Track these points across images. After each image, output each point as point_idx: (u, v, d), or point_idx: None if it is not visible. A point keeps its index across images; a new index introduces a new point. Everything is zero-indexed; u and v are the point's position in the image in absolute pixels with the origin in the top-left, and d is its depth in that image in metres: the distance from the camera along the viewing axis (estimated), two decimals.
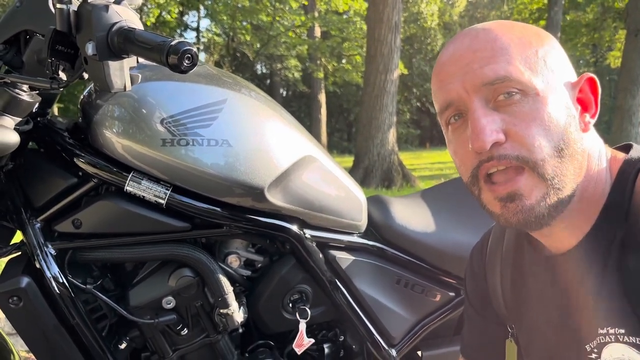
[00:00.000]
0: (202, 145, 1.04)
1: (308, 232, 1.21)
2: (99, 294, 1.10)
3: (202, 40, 21.20)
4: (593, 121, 0.72)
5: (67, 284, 1.06)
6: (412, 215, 1.37)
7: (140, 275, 1.16)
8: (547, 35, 0.74)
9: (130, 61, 0.83)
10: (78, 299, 1.08)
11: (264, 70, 25.54)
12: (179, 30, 21.03)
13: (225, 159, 1.06)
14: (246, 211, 1.13)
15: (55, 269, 1.06)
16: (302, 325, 1.24)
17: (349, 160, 10.47)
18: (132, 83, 0.84)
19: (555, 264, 0.76)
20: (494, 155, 0.66)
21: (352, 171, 9.25)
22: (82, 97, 1.15)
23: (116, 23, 0.80)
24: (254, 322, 1.27)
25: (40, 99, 0.99)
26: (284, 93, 25.34)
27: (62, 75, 0.89)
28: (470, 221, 1.35)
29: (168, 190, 1.06)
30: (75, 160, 1.07)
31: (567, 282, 0.75)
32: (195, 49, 0.73)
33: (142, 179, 1.06)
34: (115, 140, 1.05)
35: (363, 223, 1.31)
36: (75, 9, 0.82)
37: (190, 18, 21.43)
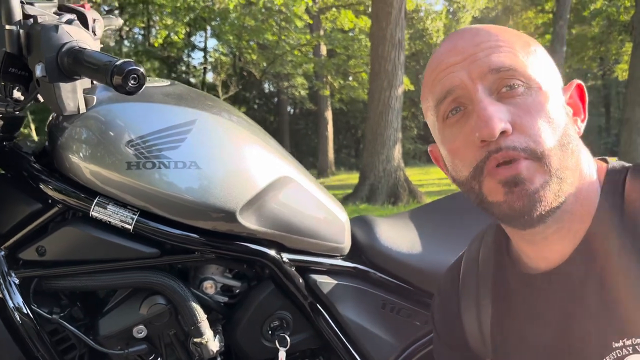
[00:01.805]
0: (169, 168, 1.00)
1: (286, 256, 1.16)
2: (66, 324, 1.06)
3: (210, 59, 21.41)
4: (583, 126, 0.74)
5: (31, 315, 1.02)
6: (398, 236, 1.32)
7: (111, 303, 1.11)
8: (538, 42, 0.76)
9: (84, 82, 0.80)
10: (43, 330, 1.04)
11: (272, 89, 25.68)
12: (186, 51, 21.28)
13: (193, 181, 1.02)
14: (219, 235, 1.08)
15: (18, 299, 1.01)
16: (282, 354, 1.18)
17: (355, 177, 10.42)
18: (86, 105, 0.81)
19: (547, 281, 0.72)
20: (501, 146, 0.65)
21: (358, 188, 9.21)
22: (49, 119, 1.12)
23: (66, 43, 0.77)
24: (232, 351, 1.22)
25: (1, 122, 0.96)
26: (292, 111, 25.44)
27: (19, 98, 0.86)
28: (460, 242, 1.29)
29: (135, 215, 1.02)
30: (40, 185, 1.03)
31: (565, 297, 0.70)
32: (142, 70, 0.69)
33: (108, 204, 1.02)
34: (80, 163, 1.01)
35: (346, 245, 1.26)
36: (26, 30, 0.79)
37: (198, 38, 21.66)
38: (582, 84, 0.74)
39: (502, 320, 0.81)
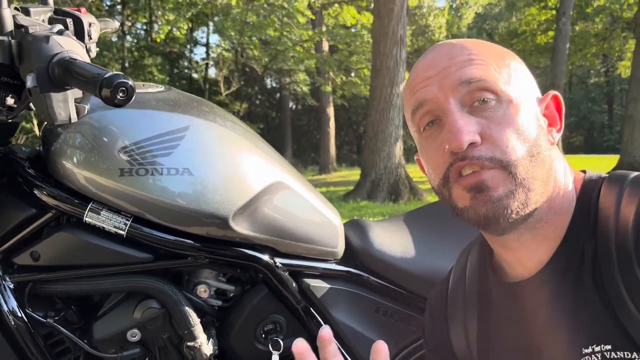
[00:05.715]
0: (162, 175, 1.01)
1: (279, 261, 1.17)
2: (60, 328, 1.07)
3: (212, 55, 21.39)
4: (558, 136, 0.74)
5: (25, 318, 1.03)
6: (392, 240, 1.32)
7: (105, 307, 1.12)
8: (515, 55, 0.77)
9: (75, 92, 0.80)
10: (38, 334, 1.05)
11: (274, 85, 25.64)
12: (188, 46, 21.26)
13: (186, 188, 1.03)
14: (212, 241, 1.09)
15: (13, 303, 1.02)
16: (275, 358, 1.19)
17: (357, 173, 10.42)
18: (78, 114, 0.82)
19: (525, 289, 0.74)
20: (468, 155, 0.67)
21: (359, 185, 9.21)
22: (44, 125, 1.12)
23: (57, 54, 0.77)
24: (226, 354, 1.23)
25: None
26: (293, 107, 25.38)
27: (12, 105, 0.87)
28: (454, 246, 1.30)
29: (128, 220, 1.03)
30: (34, 190, 1.04)
31: (540, 304, 0.72)
32: (130, 82, 0.70)
33: (102, 210, 1.02)
34: (73, 169, 1.02)
35: (339, 249, 1.26)
36: (18, 40, 0.79)
37: (200, 34, 21.64)
38: (559, 94, 0.76)
39: (486, 332, 0.82)
